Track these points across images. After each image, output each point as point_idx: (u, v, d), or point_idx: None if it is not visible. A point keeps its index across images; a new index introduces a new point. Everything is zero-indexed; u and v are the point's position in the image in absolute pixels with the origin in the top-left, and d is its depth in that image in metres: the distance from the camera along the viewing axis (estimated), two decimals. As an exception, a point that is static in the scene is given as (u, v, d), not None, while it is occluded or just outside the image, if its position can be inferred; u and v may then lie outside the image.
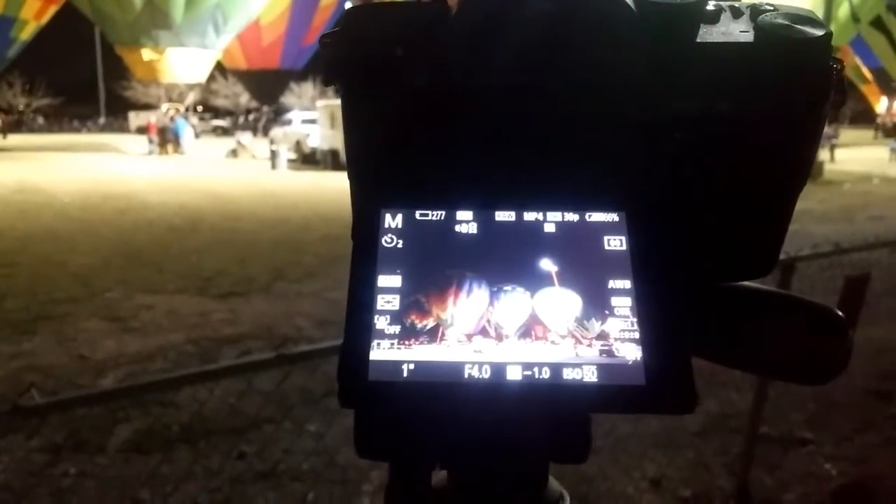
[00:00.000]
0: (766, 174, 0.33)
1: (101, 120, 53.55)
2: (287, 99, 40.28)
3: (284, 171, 19.17)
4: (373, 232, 0.31)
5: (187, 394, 3.45)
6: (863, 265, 3.39)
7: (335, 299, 5.78)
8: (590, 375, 0.29)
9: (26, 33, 30.33)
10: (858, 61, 27.25)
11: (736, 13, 0.33)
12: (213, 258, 7.69)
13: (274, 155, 19.99)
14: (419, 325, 0.30)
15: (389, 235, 0.31)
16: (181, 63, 24.39)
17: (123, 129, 44.94)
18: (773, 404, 3.04)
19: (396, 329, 0.30)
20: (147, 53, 23.89)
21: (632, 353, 0.29)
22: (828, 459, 3.12)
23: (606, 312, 0.30)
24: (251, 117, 44.75)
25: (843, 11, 22.28)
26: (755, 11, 0.33)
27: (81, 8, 24.50)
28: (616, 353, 0.29)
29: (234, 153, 24.31)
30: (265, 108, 39.61)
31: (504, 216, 0.31)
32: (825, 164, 20.45)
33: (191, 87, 27.16)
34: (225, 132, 41.08)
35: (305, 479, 2.98)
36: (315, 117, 22.83)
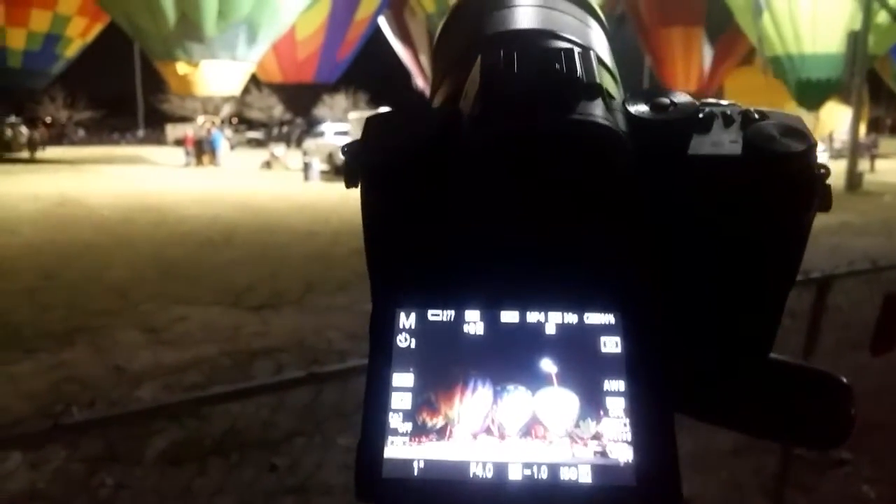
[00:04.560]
0: (754, 277, 0.34)
1: (140, 132, 54.70)
2: (320, 111, 40.71)
3: (317, 182, 19.36)
4: (388, 331, 0.33)
5: (221, 407, 3.51)
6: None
7: (366, 312, 5.77)
8: (584, 476, 0.30)
9: (71, 50, 31.25)
10: (898, 69, 26.71)
11: (727, 121, 0.34)
12: (245, 271, 7.80)
13: (306, 167, 20.21)
14: (429, 423, 0.31)
15: (403, 335, 0.33)
16: (215, 76, 24.79)
17: (161, 141, 45.83)
18: (809, 424, 2.98)
19: (409, 427, 0.31)
20: (182, 67, 24.32)
21: (624, 454, 0.30)
22: (865, 481, 3.06)
23: (602, 413, 0.31)
24: (284, 129, 45.30)
25: (882, 19, 21.85)
26: (745, 120, 0.34)
27: (119, 22, 25.09)
28: (609, 455, 0.30)
29: (267, 165, 24.64)
30: (298, 121, 40.08)
31: (509, 317, 0.32)
32: (865, 175, 20.05)
33: (226, 99, 27.59)
34: (259, 144, 41.66)
35: (336, 493, 3.01)
36: (347, 129, 23.03)
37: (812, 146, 0.33)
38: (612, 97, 0.35)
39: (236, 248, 9.38)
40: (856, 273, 2.92)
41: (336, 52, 33.62)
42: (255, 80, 33.37)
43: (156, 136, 49.82)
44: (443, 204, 0.33)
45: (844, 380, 0.34)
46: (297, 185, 18.51)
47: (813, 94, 27.62)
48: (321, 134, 26.25)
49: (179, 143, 31.06)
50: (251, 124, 49.50)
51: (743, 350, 0.34)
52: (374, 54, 39.47)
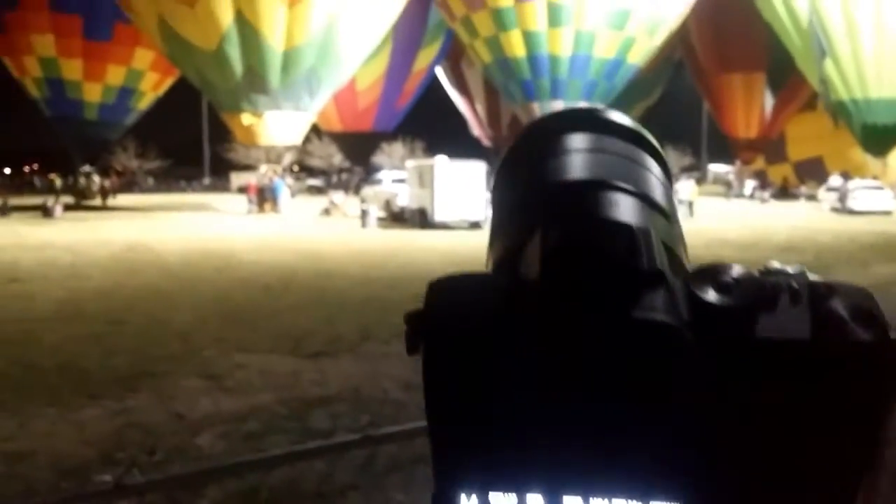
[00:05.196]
0: (823, 464, 0.33)
1: (206, 180, 56.77)
2: (378, 159, 41.57)
3: (374, 228, 19.65)
4: None
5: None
6: None
7: (420, 363, 5.76)
8: None
9: (144, 103, 32.92)
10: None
11: (794, 297, 0.33)
12: (303, 317, 7.90)
13: (364, 214, 20.56)
14: None
15: None
16: (278, 127, 25.64)
17: (225, 188, 47.38)
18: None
19: None
20: (247, 118, 25.26)
21: None
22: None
23: None
24: (343, 177, 46.34)
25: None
26: (814, 297, 0.33)
27: (188, 77, 26.35)
28: None
29: (326, 212, 25.15)
30: (357, 168, 40.97)
31: None
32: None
33: (288, 148, 28.47)
34: (319, 191, 42.63)
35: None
36: (404, 177, 23.39)
37: (885, 332, 0.32)
38: (677, 262, 0.35)
39: (295, 293, 9.52)
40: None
41: (395, 102, 34.45)
42: (315, 129, 34.38)
43: (221, 184, 51.61)
44: (505, 380, 0.32)
45: None
46: (355, 232, 18.80)
47: (879, 139, 26.86)
48: (379, 182, 26.70)
49: (242, 190, 32.05)
50: (311, 172, 50.85)
51: None
52: (431, 103, 40.27)
